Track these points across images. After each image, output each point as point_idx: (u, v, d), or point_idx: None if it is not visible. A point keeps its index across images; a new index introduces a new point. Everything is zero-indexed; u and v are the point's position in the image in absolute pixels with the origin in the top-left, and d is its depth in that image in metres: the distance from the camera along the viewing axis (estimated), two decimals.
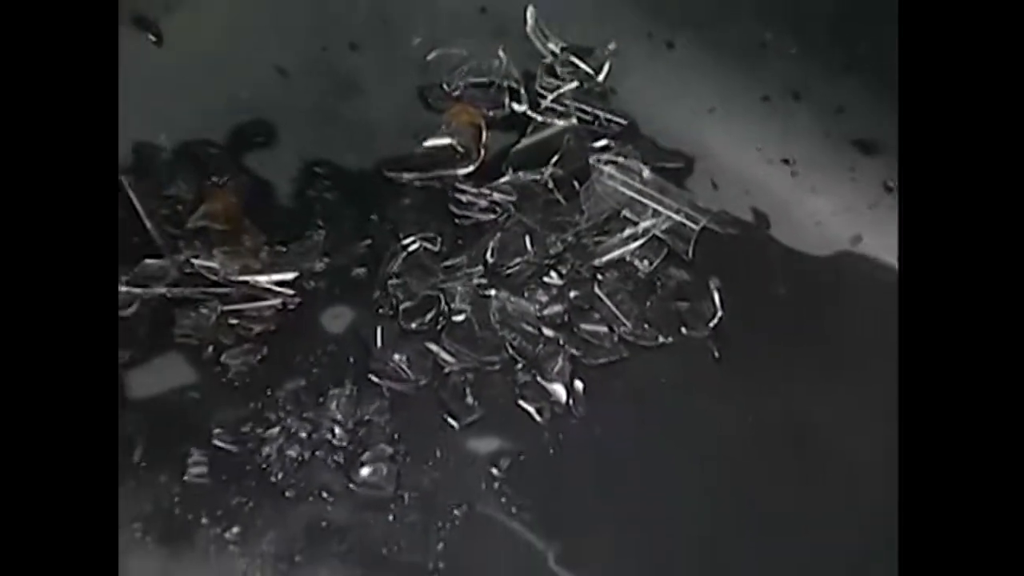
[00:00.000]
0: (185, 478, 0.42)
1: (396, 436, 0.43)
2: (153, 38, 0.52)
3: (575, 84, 0.52)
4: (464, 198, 0.49)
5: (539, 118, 0.51)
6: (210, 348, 0.45)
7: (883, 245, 0.49)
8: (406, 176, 0.50)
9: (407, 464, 0.43)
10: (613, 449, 0.44)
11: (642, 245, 0.48)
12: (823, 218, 0.50)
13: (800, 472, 0.44)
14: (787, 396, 0.46)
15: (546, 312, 0.46)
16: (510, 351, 0.45)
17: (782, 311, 0.48)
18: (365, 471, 0.43)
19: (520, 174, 0.49)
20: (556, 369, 0.45)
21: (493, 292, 0.46)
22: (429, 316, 0.46)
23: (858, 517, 0.43)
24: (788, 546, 0.43)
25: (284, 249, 0.47)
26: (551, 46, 0.53)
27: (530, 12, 0.53)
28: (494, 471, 0.43)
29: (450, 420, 0.44)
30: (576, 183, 0.49)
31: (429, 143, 0.50)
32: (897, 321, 0.44)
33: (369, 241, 0.48)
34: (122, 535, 0.41)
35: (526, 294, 0.47)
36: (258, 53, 0.53)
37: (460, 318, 0.46)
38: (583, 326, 0.46)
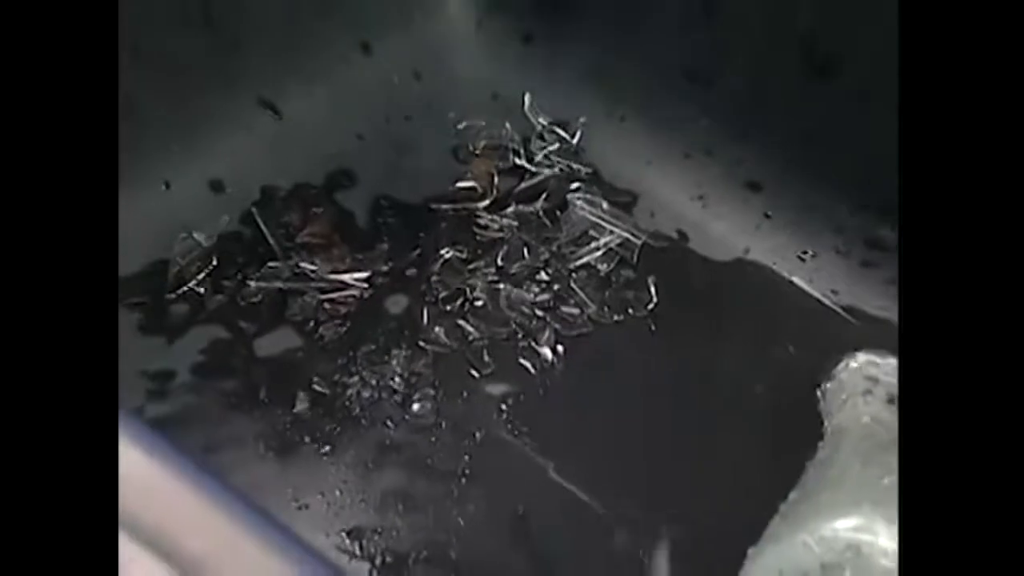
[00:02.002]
0: (294, 410, 0.43)
1: (437, 383, 0.44)
2: (273, 113, 0.52)
3: (557, 145, 0.53)
4: (483, 222, 0.50)
5: (533, 168, 0.52)
6: (311, 323, 0.46)
7: (763, 252, 0.49)
8: (443, 207, 0.51)
9: (444, 402, 0.44)
10: (583, 393, 0.45)
11: (603, 254, 0.48)
12: (724, 236, 0.50)
13: (709, 403, 0.45)
14: (699, 356, 0.46)
15: (537, 299, 0.47)
16: (513, 326, 0.46)
17: (697, 299, 0.48)
18: (416, 407, 0.43)
19: (520, 206, 0.50)
20: (544, 338, 0.46)
21: (502, 286, 0.47)
22: (459, 302, 0.47)
23: (741, 430, 0.44)
24: (709, 452, 0.43)
25: (361, 256, 0.48)
26: (541, 120, 0.54)
27: (527, 98, 0.54)
28: (503, 407, 0.44)
29: (473, 372, 0.45)
30: (558, 212, 0.50)
31: (459, 185, 0.51)
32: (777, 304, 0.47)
33: (418, 251, 0.49)
34: (248, 450, 0.42)
35: (524, 287, 0.47)
36: (344, 123, 0.53)
37: (480, 303, 0.47)
38: (563, 308, 0.47)
